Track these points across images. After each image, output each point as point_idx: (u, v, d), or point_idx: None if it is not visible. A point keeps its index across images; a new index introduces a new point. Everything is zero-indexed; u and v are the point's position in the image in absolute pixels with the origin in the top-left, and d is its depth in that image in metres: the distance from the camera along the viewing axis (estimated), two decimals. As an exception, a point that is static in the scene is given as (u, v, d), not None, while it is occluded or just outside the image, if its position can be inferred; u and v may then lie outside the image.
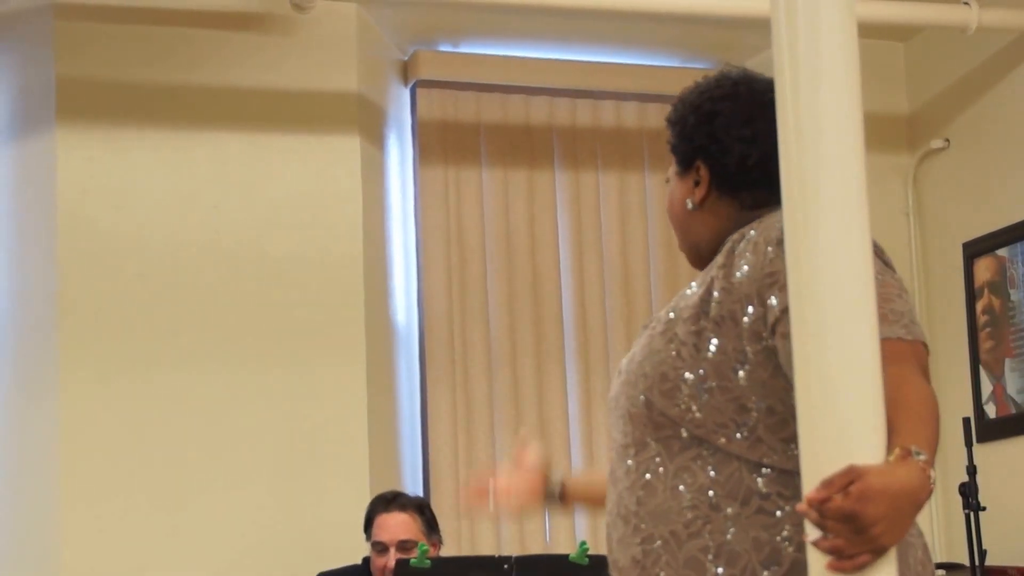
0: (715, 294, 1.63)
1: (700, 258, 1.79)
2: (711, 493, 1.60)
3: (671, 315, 1.69)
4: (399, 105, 4.37)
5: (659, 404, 1.64)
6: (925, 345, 1.55)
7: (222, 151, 3.97)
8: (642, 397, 1.65)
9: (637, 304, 4.43)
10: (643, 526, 1.62)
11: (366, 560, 3.60)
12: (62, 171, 3.83)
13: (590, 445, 4.33)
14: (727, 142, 1.73)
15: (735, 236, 1.68)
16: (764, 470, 1.59)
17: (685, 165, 1.78)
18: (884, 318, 1.49)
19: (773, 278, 1.57)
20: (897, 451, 1.35)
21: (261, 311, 3.92)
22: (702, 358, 1.61)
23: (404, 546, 3.41)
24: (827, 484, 1.30)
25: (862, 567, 1.31)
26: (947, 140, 4.44)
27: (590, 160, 4.49)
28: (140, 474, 3.79)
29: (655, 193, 4.53)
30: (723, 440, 1.61)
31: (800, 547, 1.50)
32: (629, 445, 1.67)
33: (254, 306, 3.92)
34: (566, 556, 3.26)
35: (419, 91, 4.36)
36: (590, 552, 3.23)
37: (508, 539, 4.18)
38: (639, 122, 4.55)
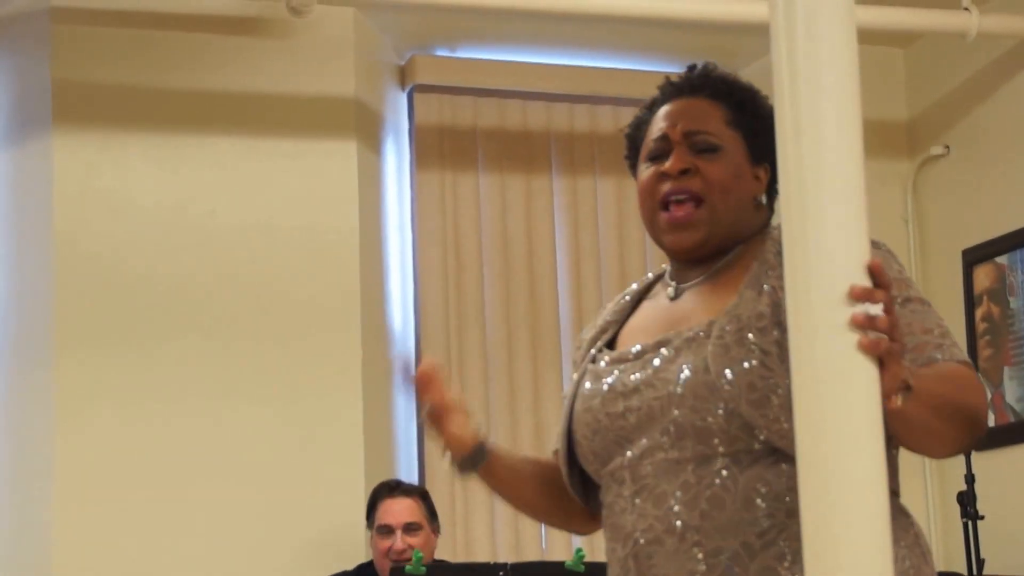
0: (783, 305, 1.55)
1: (705, 248, 1.69)
2: (788, 499, 1.57)
3: (733, 324, 1.62)
4: (396, 110, 4.37)
5: (746, 414, 1.58)
6: (975, 369, 1.61)
7: (218, 156, 3.97)
8: (722, 408, 1.59)
9: (634, 310, 4.43)
10: (707, 540, 1.58)
11: (370, 563, 3.68)
12: (59, 175, 3.83)
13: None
14: None
15: (768, 245, 1.65)
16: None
17: (755, 159, 1.71)
18: (940, 347, 1.58)
19: None
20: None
21: (257, 315, 3.92)
22: (786, 368, 1.49)
23: (410, 528, 3.59)
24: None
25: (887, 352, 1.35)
26: (947, 147, 4.43)
27: (587, 165, 4.48)
28: (135, 478, 3.77)
29: None
30: None
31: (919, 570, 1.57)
32: (687, 460, 1.61)
33: (250, 310, 3.92)
34: (562, 563, 3.25)
35: (416, 96, 4.35)
36: (586, 559, 3.23)
37: (504, 545, 4.17)
38: (639, 126, 4.55)
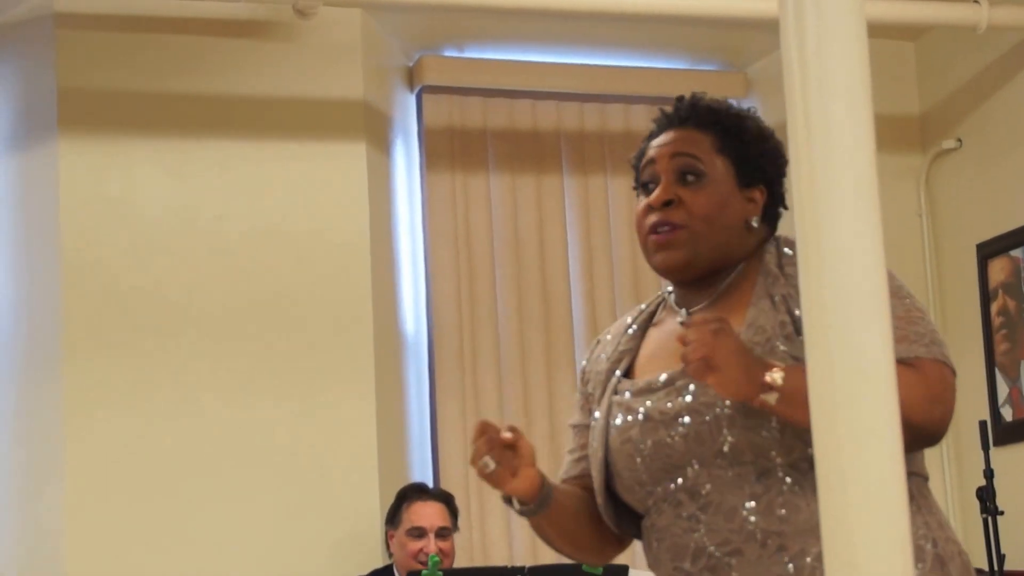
0: (798, 313, 1.65)
1: (695, 269, 1.78)
2: None
3: (759, 335, 1.68)
4: (405, 111, 4.36)
5: (796, 426, 1.63)
6: (947, 364, 1.65)
7: (226, 160, 3.96)
8: (774, 420, 1.64)
9: (647, 310, 4.41)
10: (790, 543, 1.65)
11: (388, 567, 3.70)
12: (64, 182, 3.82)
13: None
14: (783, 181, 1.81)
15: (773, 258, 1.74)
16: None
17: (745, 182, 1.78)
18: (906, 338, 1.62)
19: None
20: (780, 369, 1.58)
21: (268, 319, 3.91)
22: None
23: (442, 533, 3.65)
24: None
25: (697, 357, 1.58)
26: (959, 140, 4.40)
27: (599, 164, 4.46)
28: (145, 482, 3.77)
29: None
30: None
31: (935, 542, 1.66)
32: (748, 474, 1.67)
33: (261, 314, 3.91)
34: (580, 566, 3.24)
35: (425, 97, 4.34)
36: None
37: (520, 549, 4.15)
38: (647, 126, 4.51)
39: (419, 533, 3.63)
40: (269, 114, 3.99)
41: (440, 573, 3.23)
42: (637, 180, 1.88)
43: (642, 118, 4.55)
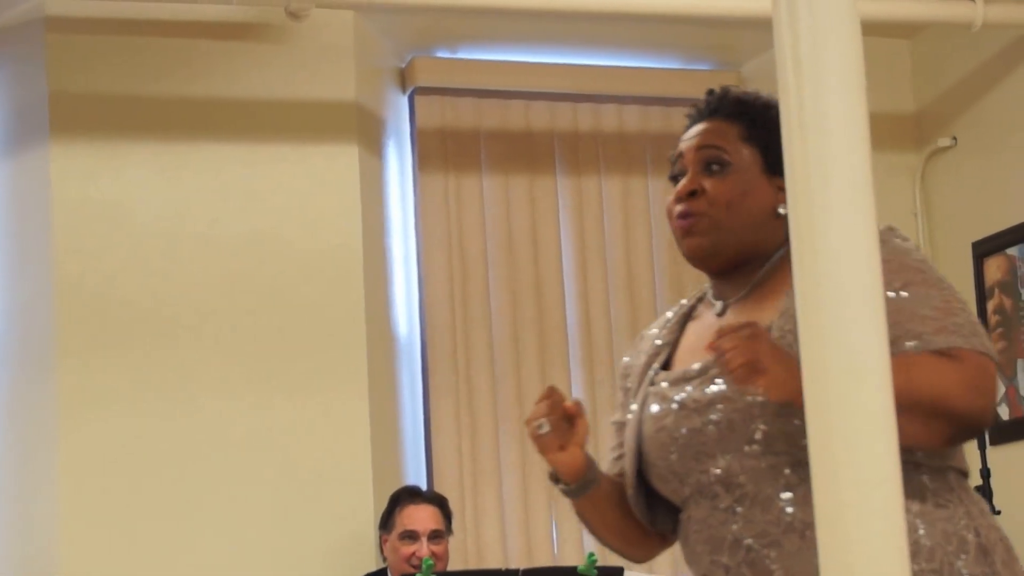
0: None
1: (722, 257, 1.79)
2: None
3: (791, 324, 1.67)
4: (397, 113, 4.36)
5: None
6: (987, 355, 1.66)
7: (218, 162, 3.96)
8: None
9: (642, 310, 4.40)
10: None
11: (382, 571, 3.71)
12: (56, 186, 3.82)
13: (595, 452, 4.27)
14: None
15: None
16: (923, 470, 1.68)
17: (773, 170, 1.79)
18: (944, 329, 1.64)
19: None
20: None
21: (261, 321, 3.91)
22: None
23: (435, 536, 3.65)
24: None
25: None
26: (954, 138, 4.41)
27: (592, 165, 4.46)
28: (139, 489, 3.77)
29: (658, 197, 4.50)
30: None
31: (978, 532, 1.67)
32: (782, 464, 1.68)
33: (254, 316, 3.91)
34: (574, 568, 3.24)
35: (417, 98, 4.34)
36: (599, 563, 3.21)
37: (515, 551, 4.15)
38: (641, 125, 4.54)
39: (412, 537, 3.64)
40: (261, 116, 4.00)
41: (434, 575, 3.22)
42: (670, 174, 1.91)
43: (636, 118, 4.55)
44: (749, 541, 1.67)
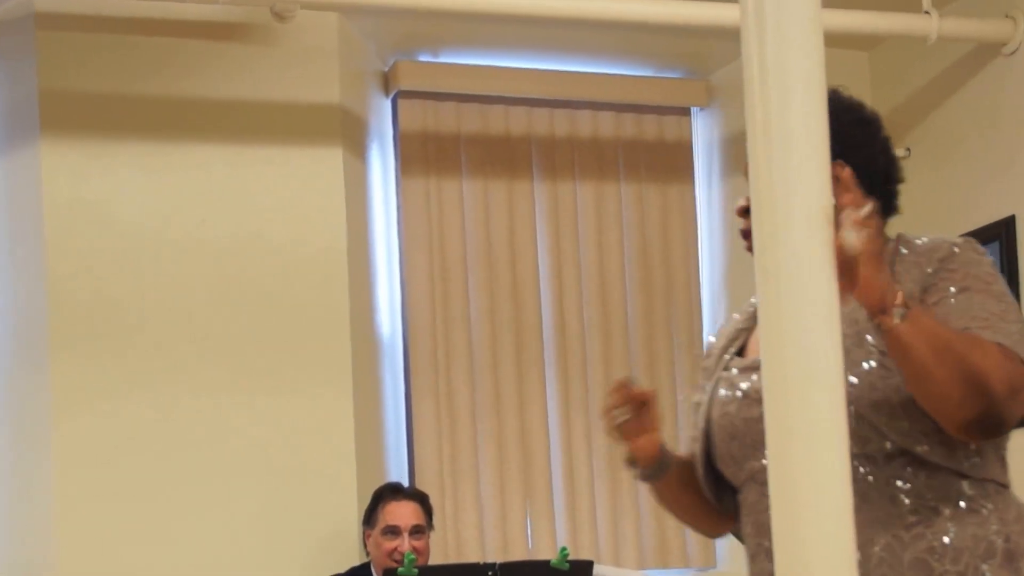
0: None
1: None
2: (928, 496, 1.67)
3: (851, 327, 1.68)
4: (380, 115, 4.35)
5: (867, 415, 1.66)
6: None
7: (204, 163, 3.94)
8: (851, 410, 1.60)
9: (614, 313, 4.44)
10: (858, 532, 1.61)
11: (365, 565, 3.73)
12: (47, 185, 3.80)
13: (570, 451, 4.36)
14: (866, 148, 1.85)
15: (936, 244, 1.75)
16: (963, 477, 1.70)
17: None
18: (991, 327, 1.64)
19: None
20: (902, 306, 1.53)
21: (246, 321, 3.91)
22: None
23: (416, 531, 3.66)
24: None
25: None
26: (908, 149, 4.44)
27: (567, 170, 4.48)
28: (129, 487, 3.78)
29: (630, 202, 4.52)
30: (925, 448, 1.67)
31: (1008, 538, 1.68)
32: None
33: (239, 317, 3.91)
34: (547, 562, 3.34)
35: (400, 101, 4.33)
36: (570, 557, 3.32)
37: (492, 546, 4.20)
38: (615, 131, 4.55)
39: (394, 532, 3.67)
40: (247, 117, 3.98)
41: (416, 571, 3.29)
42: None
43: (609, 124, 4.57)
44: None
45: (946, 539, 1.66)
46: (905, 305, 1.54)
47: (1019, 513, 1.74)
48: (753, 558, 1.80)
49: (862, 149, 1.83)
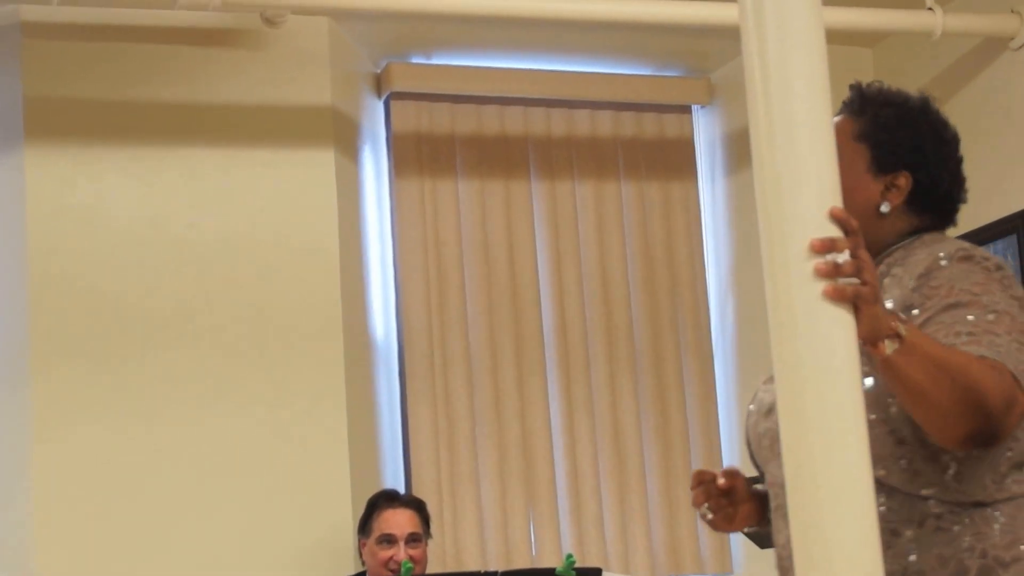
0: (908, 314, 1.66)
1: None
2: (890, 519, 1.66)
3: None
4: (373, 118, 4.36)
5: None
6: (1018, 380, 1.62)
7: (195, 168, 3.94)
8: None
9: (617, 312, 4.42)
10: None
11: (360, 574, 3.70)
12: (32, 192, 3.79)
13: (573, 457, 4.32)
14: (936, 167, 1.83)
15: (923, 258, 1.72)
16: (930, 500, 1.68)
17: (882, 168, 1.80)
18: (977, 342, 1.62)
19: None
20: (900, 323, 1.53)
21: (238, 326, 3.90)
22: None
23: (412, 539, 3.64)
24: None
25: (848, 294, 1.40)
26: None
27: (566, 169, 4.48)
28: (116, 496, 3.76)
29: (631, 201, 4.53)
30: (882, 473, 1.66)
31: (983, 553, 1.65)
32: None
33: (231, 321, 3.90)
34: (553, 569, 3.29)
35: (393, 103, 4.35)
36: (577, 564, 3.26)
37: (493, 553, 4.16)
38: (613, 130, 4.55)
39: (389, 540, 3.63)
40: (238, 121, 3.99)
41: (413, 579, 3.25)
42: None
43: (607, 123, 4.59)
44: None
45: (907, 561, 1.65)
46: (898, 336, 1.53)
47: (1006, 526, 1.70)
48: (780, 557, 1.80)
49: (932, 168, 1.84)
